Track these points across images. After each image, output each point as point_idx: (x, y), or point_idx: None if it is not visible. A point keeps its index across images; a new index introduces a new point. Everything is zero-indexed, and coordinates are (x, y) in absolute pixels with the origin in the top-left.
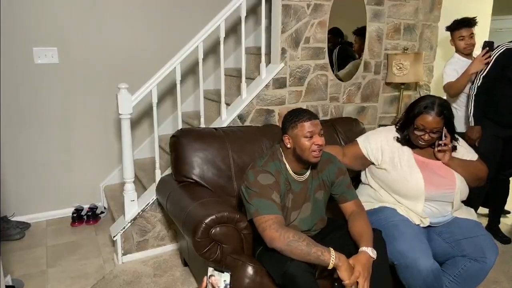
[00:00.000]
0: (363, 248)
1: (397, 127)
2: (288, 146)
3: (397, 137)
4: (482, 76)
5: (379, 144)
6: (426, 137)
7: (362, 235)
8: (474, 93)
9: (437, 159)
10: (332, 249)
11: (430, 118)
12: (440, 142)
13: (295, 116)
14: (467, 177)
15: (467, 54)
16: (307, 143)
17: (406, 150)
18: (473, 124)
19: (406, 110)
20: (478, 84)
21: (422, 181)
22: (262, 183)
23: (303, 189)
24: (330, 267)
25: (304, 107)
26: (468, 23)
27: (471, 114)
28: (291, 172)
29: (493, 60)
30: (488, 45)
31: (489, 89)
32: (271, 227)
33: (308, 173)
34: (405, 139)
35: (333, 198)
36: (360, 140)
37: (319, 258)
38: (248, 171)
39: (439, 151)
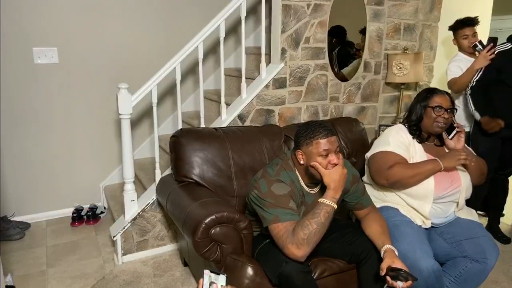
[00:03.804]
0: (389, 246)
1: (405, 124)
2: (301, 162)
3: (410, 130)
4: (475, 80)
5: (406, 141)
6: (446, 114)
7: (383, 234)
8: (469, 93)
9: (446, 152)
10: (320, 200)
11: (443, 97)
12: (454, 125)
13: (311, 131)
14: (474, 170)
15: (471, 52)
16: (322, 162)
17: (418, 148)
18: (479, 118)
19: (414, 101)
20: (472, 85)
21: (432, 181)
22: (277, 193)
23: (316, 202)
24: (336, 206)
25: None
26: (471, 22)
27: (473, 109)
28: (303, 184)
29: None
30: (492, 41)
31: (483, 91)
32: (287, 240)
33: (320, 185)
34: (416, 133)
35: (345, 203)
36: (394, 149)
37: (326, 216)
38: (260, 179)
39: (457, 132)
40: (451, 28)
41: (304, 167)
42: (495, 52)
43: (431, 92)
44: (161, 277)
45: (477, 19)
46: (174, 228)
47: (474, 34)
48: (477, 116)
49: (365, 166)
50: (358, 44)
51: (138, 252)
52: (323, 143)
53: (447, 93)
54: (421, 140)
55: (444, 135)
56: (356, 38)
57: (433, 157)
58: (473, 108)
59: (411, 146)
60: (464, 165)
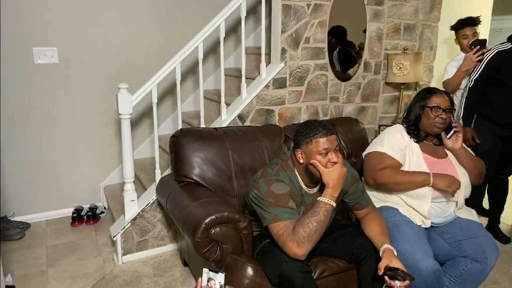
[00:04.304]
0: (388, 246)
1: (404, 124)
2: (301, 161)
3: (408, 130)
4: (474, 79)
5: (402, 143)
6: (444, 115)
7: (382, 233)
8: (465, 95)
9: (445, 151)
10: (318, 198)
11: (441, 97)
12: (453, 125)
13: (310, 130)
14: (472, 170)
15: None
16: (321, 161)
17: (416, 148)
18: (462, 125)
19: (413, 101)
20: (470, 86)
21: None
22: (277, 193)
23: (314, 202)
24: (335, 204)
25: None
26: (472, 22)
27: (461, 115)
28: (303, 184)
29: (484, 63)
30: (479, 44)
31: (483, 91)
32: (287, 238)
33: (319, 185)
34: (414, 133)
35: (344, 203)
36: (386, 150)
37: (326, 214)
38: (259, 179)
39: (454, 132)
40: (452, 27)
41: (303, 166)
42: (495, 52)
43: (430, 92)
44: (161, 277)
45: (479, 19)
46: (174, 228)
47: (475, 34)
48: (461, 123)
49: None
50: (362, 43)
51: (138, 252)
52: (323, 142)
53: (446, 93)
54: (418, 140)
55: (443, 134)
56: (359, 38)
57: (431, 157)
58: (462, 114)
59: (407, 147)
60: (462, 165)
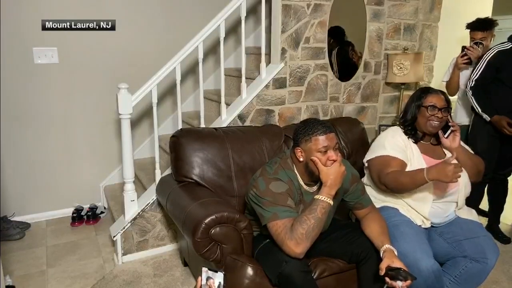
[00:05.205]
0: (388, 246)
1: (400, 125)
2: (301, 159)
3: (405, 131)
4: (474, 79)
5: (402, 144)
6: (440, 114)
7: (382, 233)
8: (471, 94)
9: (443, 151)
10: (315, 196)
11: (437, 96)
12: (449, 124)
13: (309, 128)
14: (470, 168)
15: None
16: (321, 158)
17: (415, 149)
18: (489, 119)
19: (409, 101)
20: (472, 85)
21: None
22: (275, 191)
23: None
24: (332, 202)
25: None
26: (482, 26)
27: (481, 111)
28: (302, 183)
29: (485, 62)
30: (465, 49)
31: (483, 90)
32: (285, 236)
33: (319, 183)
34: (411, 133)
35: (345, 203)
36: (390, 152)
37: (323, 211)
38: (258, 178)
39: (452, 131)
40: (468, 26)
41: (303, 164)
42: (495, 51)
43: (425, 91)
44: (161, 277)
45: (493, 23)
46: (174, 228)
47: (482, 38)
48: (487, 117)
49: (364, 169)
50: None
51: (138, 252)
52: (322, 140)
53: (442, 92)
54: (416, 140)
55: (440, 133)
56: (358, 38)
57: (430, 158)
58: (480, 110)
59: (407, 148)
60: (461, 163)
